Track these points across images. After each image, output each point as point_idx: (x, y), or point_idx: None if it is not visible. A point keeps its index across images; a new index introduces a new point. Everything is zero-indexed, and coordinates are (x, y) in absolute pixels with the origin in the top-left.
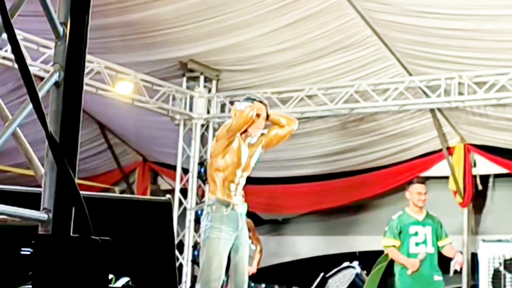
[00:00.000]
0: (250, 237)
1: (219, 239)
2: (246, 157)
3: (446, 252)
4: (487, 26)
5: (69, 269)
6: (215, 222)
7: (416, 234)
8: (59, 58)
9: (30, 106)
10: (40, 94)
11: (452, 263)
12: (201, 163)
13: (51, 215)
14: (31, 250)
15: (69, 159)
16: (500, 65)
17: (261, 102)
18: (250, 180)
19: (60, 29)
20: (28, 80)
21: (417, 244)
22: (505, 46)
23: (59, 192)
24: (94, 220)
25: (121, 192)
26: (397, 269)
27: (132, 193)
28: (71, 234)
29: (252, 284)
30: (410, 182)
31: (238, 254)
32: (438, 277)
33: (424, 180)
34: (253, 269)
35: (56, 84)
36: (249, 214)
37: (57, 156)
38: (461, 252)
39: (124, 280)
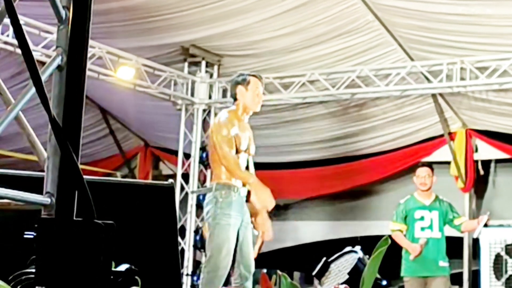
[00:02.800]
0: (252, 222)
1: (229, 225)
2: (246, 141)
3: (466, 227)
4: (489, 11)
5: (72, 253)
6: (224, 208)
7: (421, 218)
8: (62, 42)
9: (33, 90)
10: (43, 78)
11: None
12: (203, 148)
13: (54, 199)
14: (34, 234)
15: (72, 143)
16: (502, 50)
17: (255, 76)
18: None
19: (63, 12)
20: (31, 64)
21: (422, 229)
22: (507, 31)
23: (62, 176)
24: (97, 204)
25: (123, 177)
26: (403, 253)
27: (134, 178)
28: (74, 218)
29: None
30: (416, 166)
31: (242, 237)
32: (443, 263)
33: (427, 164)
34: (254, 254)
35: (59, 67)
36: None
37: (60, 140)
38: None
39: (123, 266)
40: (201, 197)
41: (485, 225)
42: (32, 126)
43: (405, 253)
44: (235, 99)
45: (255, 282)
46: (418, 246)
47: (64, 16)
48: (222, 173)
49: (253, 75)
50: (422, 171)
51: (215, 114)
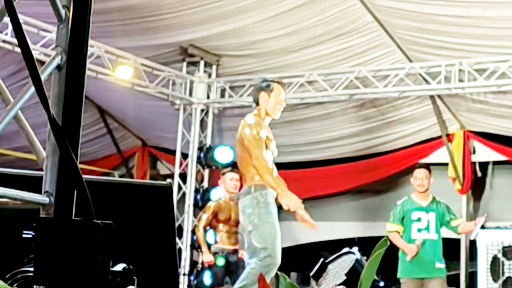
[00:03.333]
0: None
1: (274, 222)
2: (274, 144)
3: (463, 229)
4: (488, 13)
5: (70, 253)
6: (266, 208)
7: (418, 220)
8: (61, 41)
9: (32, 89)
10: (42, 77)
11: (477, 227)
12: (201, 148)
13: (52, 198)
14: (33, 233)
15: (71, 142)
16: (500, 52)
17: (278, 83)
18: None
19: (63, 12)
20: (31, 63)
21: (419, 230)
22: (505, 33)
23: (61, 175)
24: (95, 204)
25: (121, 176)
26: (399, 254)
27: (132, 177)
28: (73, 217)
29: None
30: (412, 169)
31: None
32: (440, 265)
33: (425, 165)
34: None
35: (58, 67)
36: None
37: (59, 140)
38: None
39: (120, 266)
40: (198, 198)
41: (482, 227)
42: (31, 125)
43: (402, 254)
44: (257, 104)
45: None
46: (415, 247)
47: (64, 16)
48: (255, 174)
49: (277, 82)
50: (420, 173)
51: (213, 114)
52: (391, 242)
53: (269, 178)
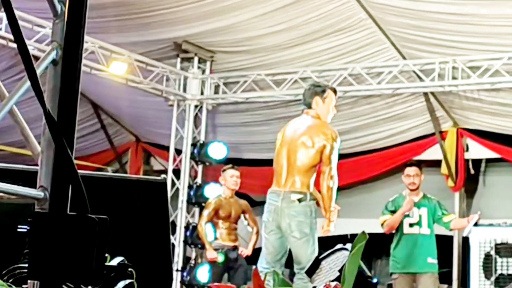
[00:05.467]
0: (246, 219)
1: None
2: None
3: (455, 225)
4: (482, 10)
5: (65, 247)
6: (315, 219)
7: (410, 215)
8: (57, 37)
9: (27, 84)
10: (38, 72)
11: (470, 224)
12: (194, 144)
13: (47, 193)
14: (28, 228)
15: (66, 137)
16: (494, 49)
17: (332, 89)
18: (244, 162)
19: (58, 7)
20: (27, 59)
21: (411, 225)
22: (499, 31)
23: (57, 170)
24: (90, 199)
25: (114, 172)
26: (391, 250)
27: (125, 173)
28: (68, 212)
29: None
30: (404, 166)
31: None
32: (432, 260)
33: (416, 163)
34: (249, 251)
35: (54, 62)
36: (241, 195)
37: (55, 134)
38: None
39: (118, 259)
40: (191, 193)
41: (475, 224)
42: (25, 119)
43: (394, 250)
44: (309, 107)
45: (247, 278)
46: (408, 201)
47: (59, 11)
48: (311, 183)
49: (331, 88)
50: (411, 170)
51: (207, 110)
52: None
53: (332, 201)
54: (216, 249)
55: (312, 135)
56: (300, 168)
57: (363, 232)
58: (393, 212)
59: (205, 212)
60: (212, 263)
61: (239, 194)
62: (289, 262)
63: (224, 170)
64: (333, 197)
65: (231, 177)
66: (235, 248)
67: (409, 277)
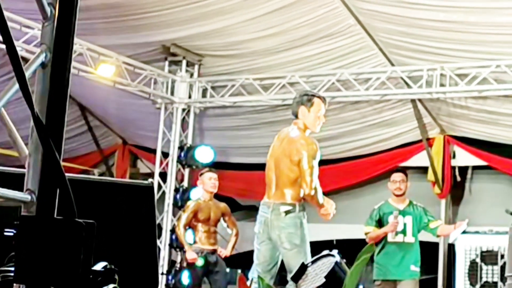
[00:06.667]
0: (225, 221)
1: (308, 242)
2: None
3: (442, 231)
4: (471, 18)
5: (52, 251)
6: (306, 229)
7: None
8: (46, 39)
9: (16, 86)
10: (26, 74)
11: (456, 231)
12: (181, 148)
13: (34, 196)
14: (14, 231)
15: (55, 141)
16: (482, 57)
17: (319, 97)
18: (228, 166)
19: (48, 9)
20: (15, 60)
21: (396, 233)
22: (487, 39)
23: (44, 174)
24: (77, 202)
25: (100, 174)
26: (375, 257)
27: (111, 175)
28: (55, 216)
29: (228, 270)
30: (391, 172)
31: None
32: (415, 268)
33: (401, 169)
34: (227, 252)
35: (43, 65)
36: (226, 199)
37: (42, 137)
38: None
39: (101, 265)
40: (177, 197)
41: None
42: (13, 120)
43: (377, 257)
44: (296, 117)
45: (233, 282)
46: (392, 223)
47: (49, 13)
48: (299, 192)
49: (318, 96)
50: (397, 176)
51: (195, 114)
52: (371, 241)
53: (319, 201)
54: (195, 253)
55: (291, 149)
56: (285, 181)
57: (372, 244)
58: (378, 221)
59: (184, 215)
60: (192, 265)
61: (224, 198)
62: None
63: (201, 174)
64: (319, 198)
65: (209, 180)
66: (214, 251)
67: (391, 284)
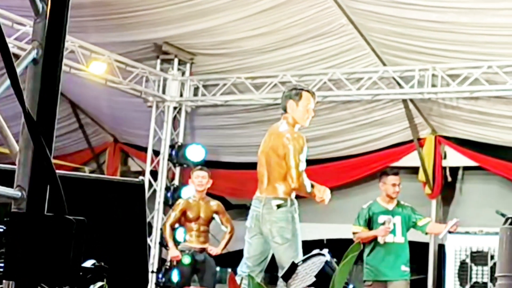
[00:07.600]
0: (220, 219)
1: (299, 236)
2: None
3: (431, 229)
4: (463, 19)
5: (42, 248)
6: (297, 224)
7: (384, 223)
8: (38, 36)
9: (7, 82)
10: (18, 71)
11: (447, 228)
12: (172, 146)
13: (25, 193)
14: (4, 228)
15: (45, 138)
16: (474, 58)
17: (307, 91)
18: (219, 165)
19: (40, 5)
20: (7, 57)
21: None
22: (479, 40)
23: (35, 170)
24: (67, 199)
25: (91, 172)
26: (364, 258)
27: (102, 173)
28: (45, 212)
29: (218, 268)
30: (384, 173)
31: None
32: (405, 268)
33: (396, 172)
34: (218, 250)
35: (34, 61)
36: (218, 198)
37: (33, 134)
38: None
39: (89, 262)
40: (168, 195)
41: (451, 232)
42: (3, 117)
43: (367, 258)
44: (285, 111)
45: (223, 281)
46: (384, 228)
47: (41, 9)
48: (290, 187)
49: (306, 90)
50: (396, 179)
51: (186, 112)
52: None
53: (307, 192)
54: (182, 251)
55: (278, 143)
56: (276, 176)
57: (359, 243)
58: (367, 221)
59: (172, 214)
60: (178, 262)
61: (215, 197)
62: (269, 267)
63: (193, 172)
64: (307, 189)
65: (196, 178)
66: (203, 250)
67: (381, 284)
